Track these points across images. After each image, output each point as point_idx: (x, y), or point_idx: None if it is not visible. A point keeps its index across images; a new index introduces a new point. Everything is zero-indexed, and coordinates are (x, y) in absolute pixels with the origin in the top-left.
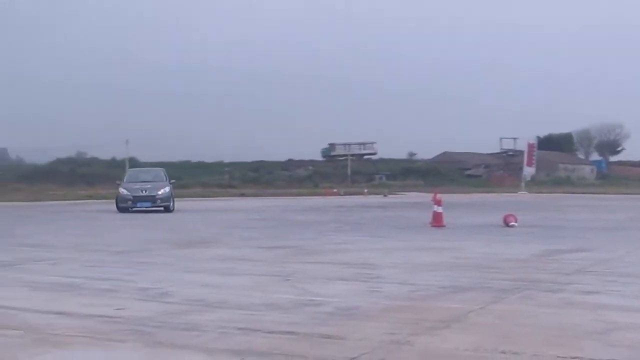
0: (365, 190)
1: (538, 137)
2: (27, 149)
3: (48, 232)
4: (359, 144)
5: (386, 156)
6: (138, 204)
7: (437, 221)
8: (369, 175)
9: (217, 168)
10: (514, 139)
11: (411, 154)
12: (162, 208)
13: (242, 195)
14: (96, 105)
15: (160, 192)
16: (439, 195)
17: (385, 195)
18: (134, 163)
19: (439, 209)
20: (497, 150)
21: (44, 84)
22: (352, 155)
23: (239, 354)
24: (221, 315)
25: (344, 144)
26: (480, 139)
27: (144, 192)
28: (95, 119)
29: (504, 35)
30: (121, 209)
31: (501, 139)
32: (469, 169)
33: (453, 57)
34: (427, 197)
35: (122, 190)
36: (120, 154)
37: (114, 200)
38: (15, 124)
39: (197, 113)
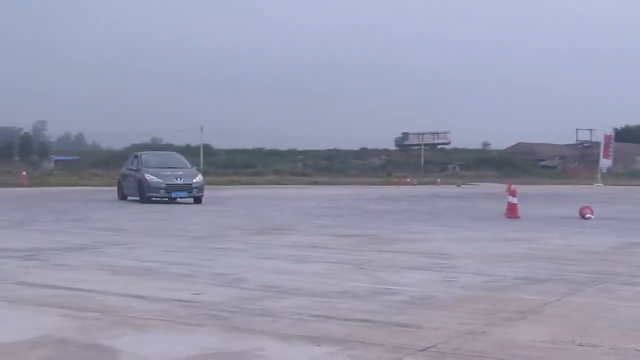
0: (439, 180)
1: (615, 129)
2: (103, 135)
3: (124, 216)
4: (433, 133)
5: (460, 146)
6: (173, 194)
7: (511, 212)
8: (442, 165)
9: (290, 156)
10: (590, 130)
11: (485, 144)
12: (192, 199)
13: (316, 183)
14: (171, 93)
15: (195, 181)
16: (513, 186)
17: (458, 186)
18: (208, 150)
19: (514, 200)
20: (573, 142)
21: (120, 71)
22: (426, 144)
23: (314, 341)
24: (296, 301)
25: (418, 134)
26: (556, 130)
27: (178, 179)
28: (170, 106)
29: (583, 25)
30: (146, 199)
31: (577, 130)
32: (544, 160)
33: (530, 46)
34: (501, 187)
35: (150, 177)
36: (194, 140)
37: (118, 187)
38: (92, 110)
39: (271, 101)
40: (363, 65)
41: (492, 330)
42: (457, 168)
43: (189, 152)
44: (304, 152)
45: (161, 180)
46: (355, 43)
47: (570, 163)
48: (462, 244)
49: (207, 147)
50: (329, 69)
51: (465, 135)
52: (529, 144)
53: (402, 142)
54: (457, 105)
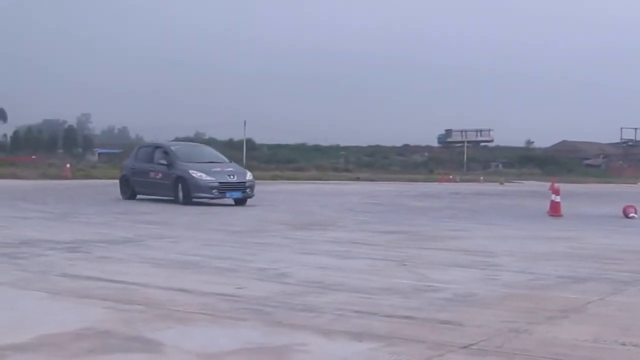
0: (481, 178)
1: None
2: (147, 128)
3: (167, 210)
4: (476, 130)
5: (503, 144)
6: (227, 194)
7: (554, 210)
8: (485, 162)
9: (333, 151)
10: (635, 129)
11: (529, 142)
12: (235, 200)
13: (357, 179)
14: (215, 87)
15: (248, 179)
16: (556, 184)
17: (501, 184)
18: (251, 144)
19: (557, 198)
20: (617, 140)
21: (164, 65)
22: (469, 142)
23: (356, 337)
24: (338, 297)
25: (461, 131)
26: (600, 128)
27: (231, 177)
28: (214, 100)
29: (628, 22)
30: (189, 200)
31: (622, 128)
32: (588, 158)
33: (575, 44)
34: (544, 186)
35: (198, 174)
36: (237, 135)
37: (121, 184)
38: (136, 103)
39: (314, 96)
40: (408, 62)
41: (534, 328)
42: (500, 166)
43: (231, 146)
44: (346, 148)
45: (213, 178)
46: (400, 40)
47: (614, 162)
48: (505, 242)
49: (249, 142)
50: (374, 66)
51: (509, 133)
52: (572, 142)
53: (445, 139)
54: (501, 103)
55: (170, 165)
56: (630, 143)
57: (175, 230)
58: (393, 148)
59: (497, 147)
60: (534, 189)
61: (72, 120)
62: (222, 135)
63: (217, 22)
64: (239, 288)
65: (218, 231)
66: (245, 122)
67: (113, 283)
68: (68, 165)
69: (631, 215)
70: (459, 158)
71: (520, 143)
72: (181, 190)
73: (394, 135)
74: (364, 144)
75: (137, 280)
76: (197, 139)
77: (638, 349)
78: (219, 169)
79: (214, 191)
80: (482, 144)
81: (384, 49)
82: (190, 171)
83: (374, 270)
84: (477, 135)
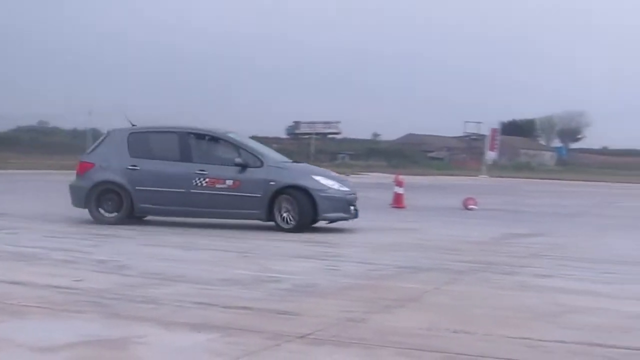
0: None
1: (502, 123)
2: None
3: (5, 201)
4: (324, 123)
5: (351, 136)
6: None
7: (397, 202)
8: (333, 154)
9: None
10: (478, 123)
11: (375, 135)
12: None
13: None
14: (61, 74)
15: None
16: (400, 177)
17: (347, 175)
18: (97, 134)
19: (400, 190)
20: (461, 134)
21: (5, 49)
22: (317, 134)
23: (195, 328)
24: (179, 289)
25: (309, 123)
26: (445, 122)
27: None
28: (56, 87)
29: (481, 19)
30: (307, 224)
31: (465, 122)
32: (432, 151)
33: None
34: (389, 178)
35: (325, 180)
36: (82, 124)
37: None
38: None
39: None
40: (256, 57)
41: (372, 317)
42: (347, 157)
43: (76, 135)
44: None
45: (348, 189)
46: (237, 37)
47: (457, 155)
48: (347, 233)
49: (95, 132)
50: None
51: (356, 126)
52: (419, 135)
53: (293, 130)
54: (349, 96)
55: (252, 167)
56: (474, 137)
57: (16, 221)
58: None
59: (345, 140)
60: (379, 181)
61: None
62: (68, 125)
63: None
64: (77, 280)
65: (60, 223)
66: (90, 111)
67: None
68: None
69: (471, 206)
70: (307, 149)
71: (368, 136)
72: (295, 209)
73: (244, 125)
74: None
75: None
76: (40, 127)
77: (469, 336)
78: (334, 174)
79: (352, 208)
80: (330, 136)
81: (222, 47)
82: (315, 177)
83: (216, 261)
84: (325, 128)
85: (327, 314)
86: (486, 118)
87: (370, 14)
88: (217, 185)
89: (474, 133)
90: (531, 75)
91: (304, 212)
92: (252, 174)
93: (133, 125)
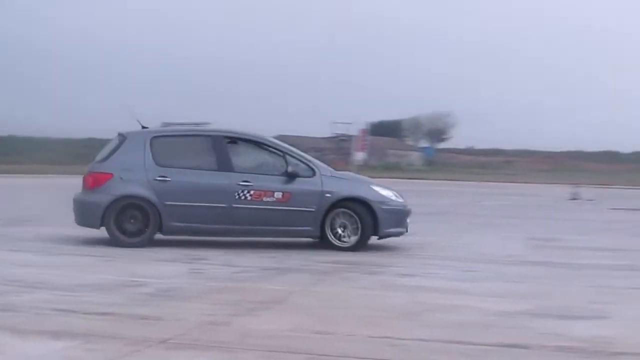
0: None
1: (370, 124)
2: None
3: None
4: (194, 123)
5: None
6: None
7: None
8: None
9: None
10: (347, 124)
11: None
12: None
13: None
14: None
15: None
16: None
17: None
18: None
19: None
20: (330, 135)
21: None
22: None
23: (54, 335)
24: (39, 295)
25: (179, 124)
26: (316, 123)
27: None
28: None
29: (342, 20)
30: (365, 242)
31: (334, 123)
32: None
33: (291, 36)
34: None
35: (385, 192)
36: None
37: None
38: None
39: None
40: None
41: (234, 320)
42: None
43: None
44: None
45: (402, 200)
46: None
47: (326, 155)
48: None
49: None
50: None
51: (234, 126)
52: (289, 136)
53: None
54: (221, 94)
55: (303, 176)
56: (343, 137)
57: None
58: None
59: None
60: None
61: None
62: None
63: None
64: None
65: None
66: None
67: None
68: None
69: None
70: None
71: None
72: (354, 224)
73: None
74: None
75: None
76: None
77: (331, 337)
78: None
79: (408, 222)
80: None
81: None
82: (374, 187)
83: (79, 266)
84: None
85: (189, 317)
86: (355, 119)
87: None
88: (264, 199)
89: (342, 134)
90: (398, 77)
91: (366, 228)
92: (303, 184)
93: (144, 127)
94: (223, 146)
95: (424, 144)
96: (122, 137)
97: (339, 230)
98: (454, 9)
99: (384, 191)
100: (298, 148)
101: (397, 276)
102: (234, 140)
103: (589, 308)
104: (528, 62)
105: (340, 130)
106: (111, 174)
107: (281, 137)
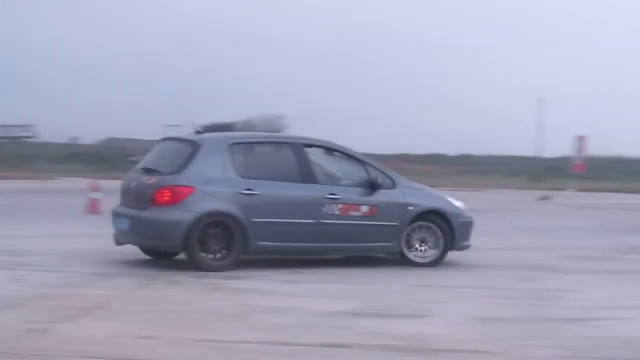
0: (25, 175)
1: (203, 126)
2: None
3: None
4: (19, 126)
5: (50, 140)
6: None
7: (93, 208)
8: (29, 158)
9: None
10: (178, 126)
11: (74, 139)
12: None
13: None
14: None
15: None
16: (97, 181)
17: (46, 180)
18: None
19: (96, 195)
20: (162, 137)
21: None
22: (12, 137)
23: None
24: None
25: (3, 126)
26: (148, 125)
27: None
28: None
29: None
30: (442, 258)
31: (165, 126)
32: (133, 155)
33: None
34: (87, 183)
35: (457, 203)
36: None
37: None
38: None
39: None
40: None
41: (55, 327)
42: (44, 162)
43: None
44: None
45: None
46: None
47: None
48: (38, 241)
49: None
50: None
51: (56, 130)
52: (119, 139)
53: None
54: (45, 98)
55: (385, 188)
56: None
57: None
58: None
59: (43, 144)
60: (77, 186)
61: None
62: None
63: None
64: None
65: None
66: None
67: None
68: None
69: None
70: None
71: (67, 140)
72: (433, 238)
73: None
74: None
75: None
76: None
77: (154, 341)
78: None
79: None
80: (25, 139)
81: None
82: (449, 199)
83: None
84: (19, 131)
85: (7, 326)
86: (187, 121)
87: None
88: (352, 213)
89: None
90: (232, 79)
91: (448, 242)
92: (387, 197)
93: (199, 132)
94: (304, 155)
95: None
96: (195, 144)
97: (417, 245)
98: (280, 13)
99: (457, 202)
100: (129, 151)
101: (225, 279)
102: (314, 148)
103: (412, 307)
104: (359, 67)
105: (173, 132)
106: (193, 187)
107: (112, 140)
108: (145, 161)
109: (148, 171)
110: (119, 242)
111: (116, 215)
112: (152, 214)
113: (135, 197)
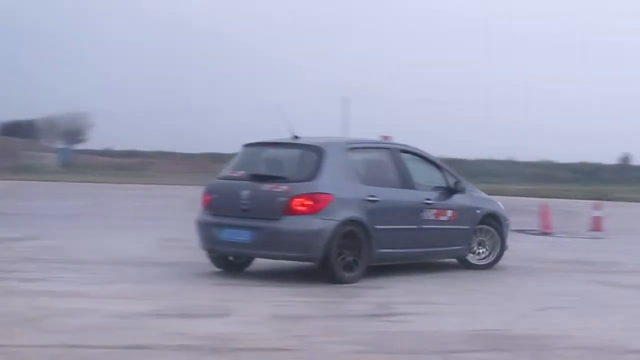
0: None
1: (2, 123)
2: None
3: None
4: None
5: None
6: None
7: None
8: None
9: None
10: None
11: None
12: None
13: None
14: None
15: None
16: None
17: None
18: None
19: None
20: None
21: None
22: None
23: None
24: None
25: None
26: None
27: None
28: None
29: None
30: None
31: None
32: None
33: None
34: None
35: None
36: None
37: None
38: None
39: None
40: None
41: None
42: None
43: None
44: None
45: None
46: None
47: None
48: None
49: None
50: None
51: None
52: None
53: None
54: None
55: (459, 192)
56: None
57: None
58: None
59: None
60: None
61: None
62: None
63: None
64: None
65: None
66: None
67: None
68: None
69: None
70: None
71: None
72: (490, 241)
73: None
74: None
75: None
76: None
77: None
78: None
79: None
80: None
81: None
82: (499, 203)
83: None
84: None
85: None
86: None
87: None
88: (441, 218)
89: None
90: (36, 75)
91: (502, 244)
92: (461, 200)
93: (296, 137)
94: (402, 160)
95: (60, 145)
96: (319, 150)
97: (476, 248)
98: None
99: (502, 206)
100: None
101: (20, 281)
102: (405, 153)
103: (213, 306)
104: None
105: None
106: (332, 194)
107: None
108: (248, 168)
109: (263, 178)
110: (223, 255)
111: (218, 225)
112: (287, 224)
113: (255, 206)
